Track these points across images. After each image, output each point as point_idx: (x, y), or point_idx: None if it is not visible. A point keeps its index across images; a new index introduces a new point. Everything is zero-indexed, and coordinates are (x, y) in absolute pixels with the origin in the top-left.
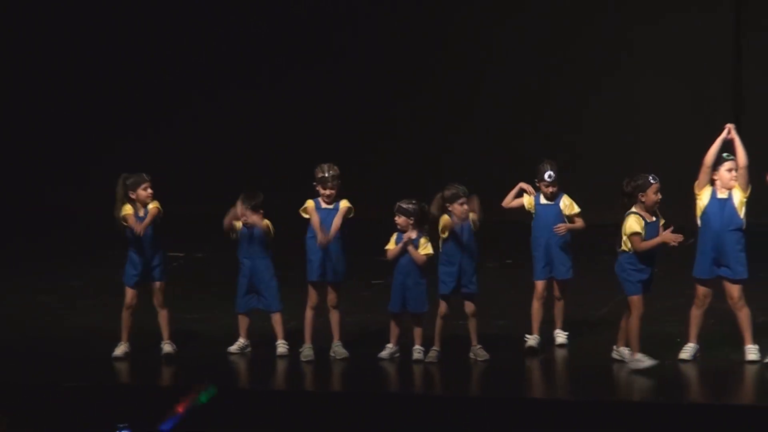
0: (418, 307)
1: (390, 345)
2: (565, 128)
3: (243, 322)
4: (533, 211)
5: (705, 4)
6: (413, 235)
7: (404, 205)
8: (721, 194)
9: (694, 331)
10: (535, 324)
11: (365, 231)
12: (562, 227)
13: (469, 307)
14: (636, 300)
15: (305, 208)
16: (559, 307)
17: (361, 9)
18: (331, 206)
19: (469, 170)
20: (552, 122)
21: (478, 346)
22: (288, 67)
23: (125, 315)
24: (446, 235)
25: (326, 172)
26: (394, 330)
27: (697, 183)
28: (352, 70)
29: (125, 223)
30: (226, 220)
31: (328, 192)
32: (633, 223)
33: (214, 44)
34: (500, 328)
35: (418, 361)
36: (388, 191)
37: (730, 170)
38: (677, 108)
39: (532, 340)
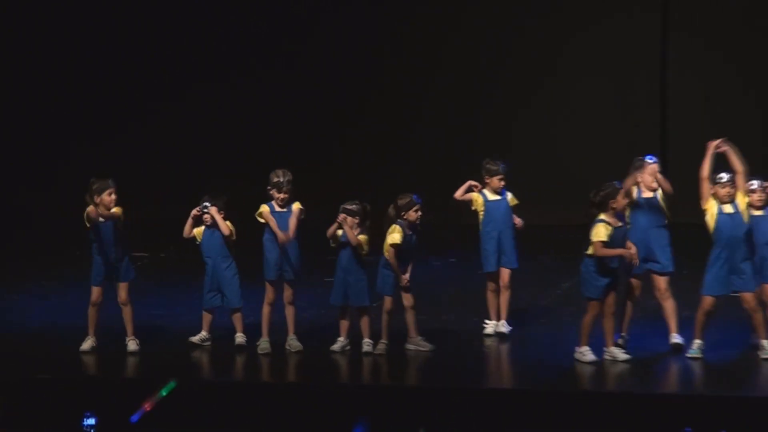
0: (360, 301)
1: (341, 338)
2: (502, 130)
3: (206, 317)
4: (481, 209)
5: (633, 10)
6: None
7: (348, 206)
8: (646, 194)
9: (626, 322)
10: (492, 311)
11: (317, 231)
12: (519, 221)
13: (408, 300)
14: (593, 304)
15: (260, 212)
16: (505, 298)
17: (316, 19)
18: (284, 209)
19: (415, 173)
20: (490, 125)
21: (419, 338)
22: (246, 77)
23: (91, 312)
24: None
25: (281, 177)
26: (343, 324)
27: (701, 198)
28: (305, 80)
29: (88, 223)
30: (186, 229)
31: (282, 196)
32: (600, 231)
33: (176, 53)
34: (443, 322)
35: (367, 354)
36: (338, 194)
37: (652, 173)
38: (606, 111)
39: (490, 327)
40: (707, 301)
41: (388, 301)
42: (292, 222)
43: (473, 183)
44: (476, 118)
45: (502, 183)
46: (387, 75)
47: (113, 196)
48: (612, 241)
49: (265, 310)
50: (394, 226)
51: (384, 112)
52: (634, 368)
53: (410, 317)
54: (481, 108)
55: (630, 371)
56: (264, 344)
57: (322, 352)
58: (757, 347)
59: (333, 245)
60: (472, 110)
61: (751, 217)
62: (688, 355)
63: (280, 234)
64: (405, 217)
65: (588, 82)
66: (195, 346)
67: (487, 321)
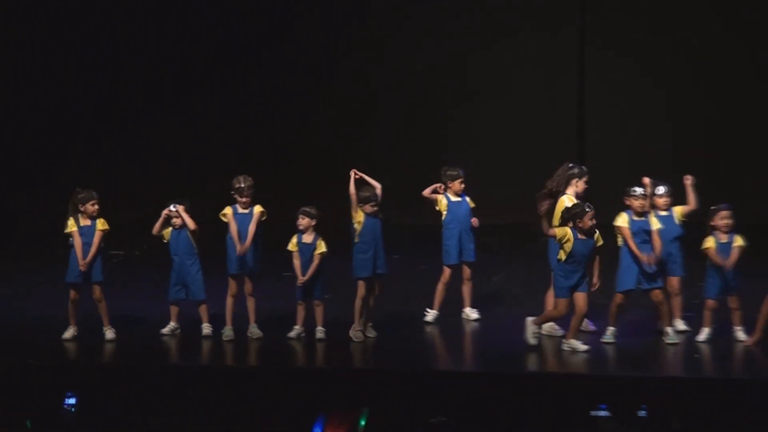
0: (319, 295)
1: (297, 326)
2: (440, 138)
3: (173, 309)
4: (444, 210)
5: (551, 27)
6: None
7: (307, 209)
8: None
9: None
10: (437, 301)
11: (276, 230)
12: (475, 221)
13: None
14: (560, 302)
15: (224, 213)
16: (468, 288)
17: (264, 32)
18: (246, 211)
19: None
20: (427, 133)
21: (370, 324)
22: (214, 95)
23: (71, 306)
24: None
25: (242, 182)
26: (300, 314)
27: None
28: (262, 94)
29: (71, 239)
30: (156, 227)
31: (244, 199)
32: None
33: (150, 67)
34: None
35: (320, 340)
36: (295, 198)
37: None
38: (529, 120)
39: (431, 315)
40: (619, 296)
41: (362, 287)
42: (251, 227)
43: (438, 185)
44: (415, 127)
45: (463, 186)
46: (336, 88)
47: (96, 207)
48: (576, 252)
49: (229, 301)
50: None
51: (336, 123)
52: (558, 351)
53: (371, 303)
54: (417, 120)
55: (554, 354)
56: (228, 332)
57: (279, 339)
58: (662, 333)
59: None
60: (411, 121)
61: (658, 217)
62: (603, 341)
63: (238, 246)
64: (362, 208)
65: (512, 91)
66: (165, 334)
67: (428, 310)
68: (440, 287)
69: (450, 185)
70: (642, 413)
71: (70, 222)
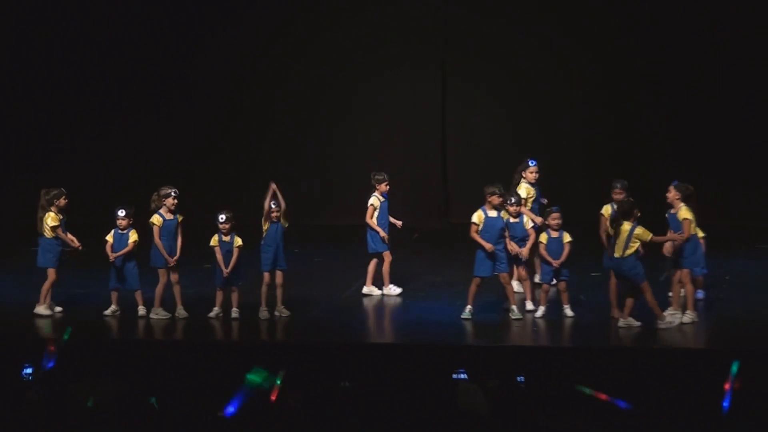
0: (236, 281)
1: (216, 308)
2: (324, 155)
3: (114, 295)
4: (377, 208)
5: (417, 63)
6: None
7: (225, 212)
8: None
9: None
10: (370, 278)
11: (197, 230)
12: (399, 222)
13: (279, 277)
14: (476, 279)
15: (151, 221)
16: (386, 269)
17: (182, 47)
18: (171, 217)
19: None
20: (314, 151)
21: (283, 307)
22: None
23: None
24: (267, 226)
25: (168, 190)
26: (219, 298)
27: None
28: (186, 112)
29: (55, 234)
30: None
31: (170, 207)
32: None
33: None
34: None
35: (235, 319)
36: (213, 204)
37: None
38: (395, 144)
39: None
40: (476, 279)
41: (266, 277)
42: (179, 238)
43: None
44: (305, 145)
45: (387, 188)
46: (245, 110)
47: (65, 200)
48: (485, 229)
49: (159, 288)
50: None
51: (245, 139)
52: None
53: (280, 292)
54: (306, 139)
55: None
56: (162, 313)
57: (201, 318)
58: (509, 311)
59: None
60: (301, 139)
61: (508, 221)
62: (462, 317)
63: (169, 260)
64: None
65: (379, 120)
66: (107, 315)
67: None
68: (371, 266)
69: (378, 187)
70: (520, 379)
71: (51, 215)
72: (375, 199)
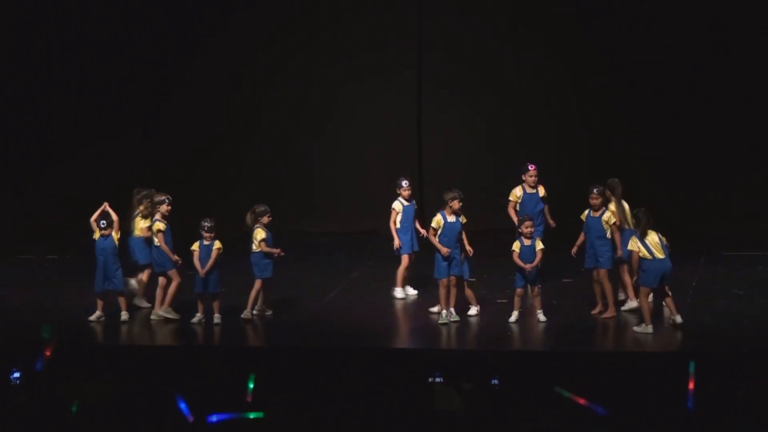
0: (215, 288)
1: (198, 314)
2: (306, 163)
3: (100, 301)
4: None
5: (393, 70)
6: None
7: (207, 221)
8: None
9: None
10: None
11: (181, 236)
12: (423, 231)
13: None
14: (442, 281)
15: (156, 227)
16: (400, 270)
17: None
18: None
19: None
20: (294, 158)
21: (219, 316)
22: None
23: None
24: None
25: (162, 197)
26: (200, 305)
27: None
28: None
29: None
30: (92, 219)
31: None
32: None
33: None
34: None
35: (217, 324)
36: (196, 212)
37: None
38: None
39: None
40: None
41: (258, 283)
42: (164, 249)
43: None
44: (284, 155)
45: (408, 192)
46: (229, 120)
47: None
48: (443, 234)
49: (173, 288)
50: (258, 228)
51: (227, 148)
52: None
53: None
54: (287, 146)
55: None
56: (171, 312)
57: (185, 323)
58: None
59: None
60: (282, 147)
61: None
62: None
63: (178, 259)
64: (261, 221)
65: (356, 128)
66: (92, 321)
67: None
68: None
69: (400, 192)
70: (494, 381)
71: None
72: (398, 204)
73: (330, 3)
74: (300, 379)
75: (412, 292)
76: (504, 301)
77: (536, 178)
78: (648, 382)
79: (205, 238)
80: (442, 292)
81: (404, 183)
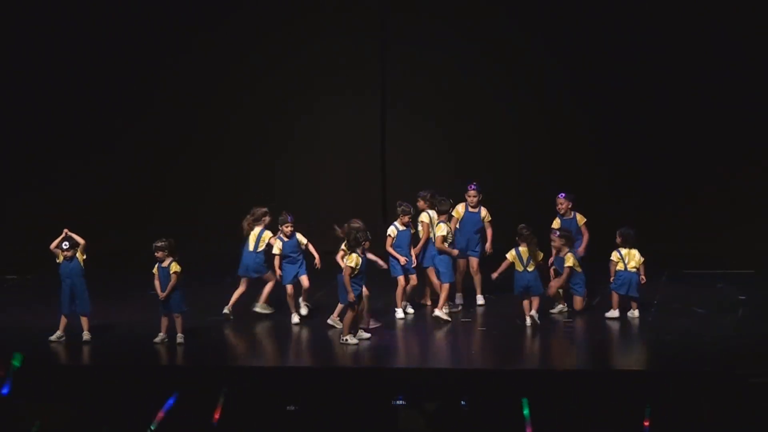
0: (178, 308)
1: (161, 334)
2: (268, 178)
3: (63, 321)
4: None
5: (355, 88)
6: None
7: (162, 242)
8: (401, 228)
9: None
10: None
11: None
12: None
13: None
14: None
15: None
16: (399, 292)
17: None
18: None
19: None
20: (260, 176)
21: (182, 336)
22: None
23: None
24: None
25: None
26: (163, 323)
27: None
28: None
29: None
30: (53, 246)
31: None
32: (389, 230)
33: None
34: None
35: (180, 344)
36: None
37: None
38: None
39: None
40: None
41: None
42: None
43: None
44: (248, 171)
45: (407, 219)
46: (193, 139)
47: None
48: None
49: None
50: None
51: (191, 170)
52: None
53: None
54: (252, 164)
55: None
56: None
57: (147, 343)
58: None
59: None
60: (246, 165)
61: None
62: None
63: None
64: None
65: (318, 148)
66: (53, 341)
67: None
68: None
69: (401, 218)
70: (463, 403)
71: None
72: (393, 229)
73: (293, 24)
74: (265, 400)
75: (410, 311)
76: (468, 320)
77: (477, 199)
78: (608, 400)
79: (159, 259)
80: (399, 291)
81: (401, 209)
